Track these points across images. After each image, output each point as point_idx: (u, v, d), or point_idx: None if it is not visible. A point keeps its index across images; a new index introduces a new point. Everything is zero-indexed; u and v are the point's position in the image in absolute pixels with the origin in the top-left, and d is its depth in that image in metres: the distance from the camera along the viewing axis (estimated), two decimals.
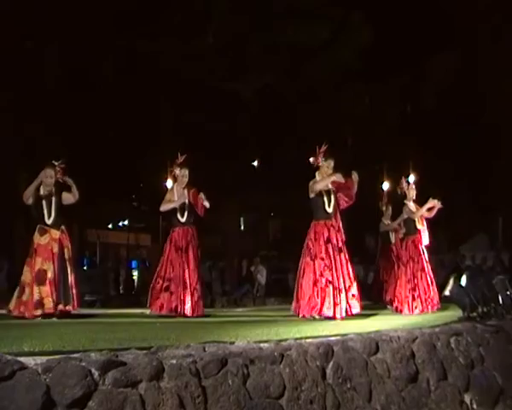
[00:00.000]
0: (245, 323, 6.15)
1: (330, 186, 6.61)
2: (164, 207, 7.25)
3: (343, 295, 6.25)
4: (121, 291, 15.72)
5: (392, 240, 9.49)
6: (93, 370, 2.75)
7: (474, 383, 4.84)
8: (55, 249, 6.48)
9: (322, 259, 6.32)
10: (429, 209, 7.95)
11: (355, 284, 6.45)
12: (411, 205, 8.02)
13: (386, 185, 9.55)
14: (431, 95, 17.88)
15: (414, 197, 8.06)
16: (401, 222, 8.45)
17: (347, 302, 6.27)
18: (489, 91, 16.96)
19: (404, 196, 8.13)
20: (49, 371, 2.65)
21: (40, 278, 6.32)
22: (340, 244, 6.47)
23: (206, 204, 7.13)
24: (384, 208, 9.65)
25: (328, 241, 6.39)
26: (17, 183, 13.79)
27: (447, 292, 6.62)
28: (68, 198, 6.76)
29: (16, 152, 13.16)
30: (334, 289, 6.20)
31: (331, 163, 6.63)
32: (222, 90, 14.48)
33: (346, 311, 6.24)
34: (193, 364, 3.10)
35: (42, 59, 13.11)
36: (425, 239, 7.90)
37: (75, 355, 2.89)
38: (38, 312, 6.26)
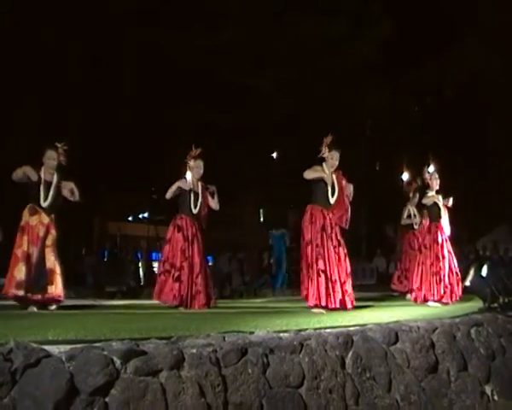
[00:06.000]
0: (264, 313, 6.17)
1: (336, 184, 6.31)
2: (169, 193, 6.85)
3: (338, 286, 5.95)
4: (141, 283, 15.86)
5: (415, 226, 9.44)
6: (115, 358, 2.79)
7: (494, 374, 4.80)
8: (41, 234, 6.29)
9: (317, 246, 6.00)
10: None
11: (350, 281, 6.13)
12: (431, 195, 7.95)
13: (405, 176, 9.49)
14: (451, 86, 17.70)
15: (437, 187, 7.98)
16: (424, 212, 8.40)
17: (343, 296, 5.97)
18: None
19: (427, 187, 8.02)
20: (72, 360, 2.71)
21: (27, 260, 6.16)
22: (339, 237, 6.17)
23: (213, 205, 6.99)
24: (411, 195, 9.51)
25: (323, 229, 6.07)
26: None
27: (468, 283, 6.58)
28: (68, 194, 6.55)
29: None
30: (326, 278, 5.89)
31: (335, 155, 6.34)
32: (241, 84, 14.49)
33: (341, 303, 5.94)
34: (213, 353, 3.13)
35: (64, 55, 13.24)
36: (447, 228, 7.83)
37: (97, 344, 2.94)
38: (21, 292, 6.07)
